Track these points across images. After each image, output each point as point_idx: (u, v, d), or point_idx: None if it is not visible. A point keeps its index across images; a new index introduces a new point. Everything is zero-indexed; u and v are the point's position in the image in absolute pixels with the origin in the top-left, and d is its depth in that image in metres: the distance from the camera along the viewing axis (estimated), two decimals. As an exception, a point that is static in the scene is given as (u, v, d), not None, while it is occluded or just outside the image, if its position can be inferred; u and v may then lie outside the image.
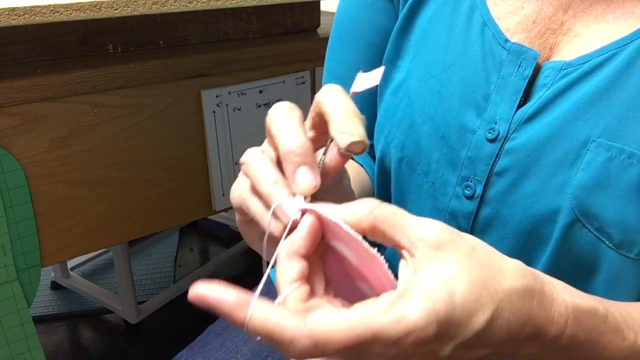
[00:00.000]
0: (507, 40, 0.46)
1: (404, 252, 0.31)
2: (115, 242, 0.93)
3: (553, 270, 0.44)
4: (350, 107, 0.34)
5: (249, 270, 1.82)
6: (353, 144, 0.32)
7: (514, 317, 0.30)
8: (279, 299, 0.30)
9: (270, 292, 0.71)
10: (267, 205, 0.34)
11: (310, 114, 0.36)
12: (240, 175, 0.37)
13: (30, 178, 0.79)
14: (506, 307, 0.30)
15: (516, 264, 0.32)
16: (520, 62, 0.45)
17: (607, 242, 0.41)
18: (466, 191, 0.47)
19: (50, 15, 0.73)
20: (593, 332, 0.33)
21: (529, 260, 0.46)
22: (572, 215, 0.42)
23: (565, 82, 0.43)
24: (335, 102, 0.34)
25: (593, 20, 0.45)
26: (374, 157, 0.58)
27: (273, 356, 0.57)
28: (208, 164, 0.97)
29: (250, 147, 0.37)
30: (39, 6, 0.72)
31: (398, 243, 0.31)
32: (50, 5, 0.72)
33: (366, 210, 0.31)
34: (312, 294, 0.31)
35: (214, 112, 0.94)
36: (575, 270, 0.44)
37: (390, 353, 0.28)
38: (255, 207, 0.35)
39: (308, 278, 0.32)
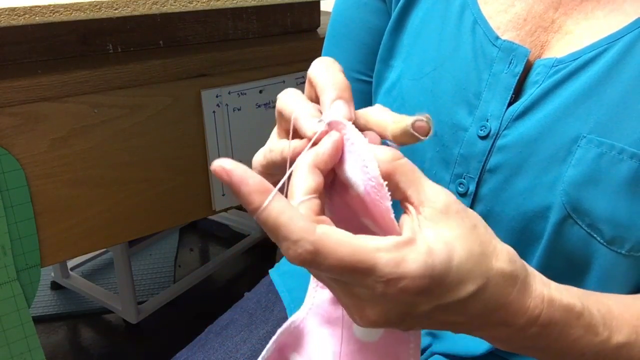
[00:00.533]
0: (497, 38, 0.47)
1: (410, 208, 0.31)
2: (115, 242, 0.93)
3: (546, 267, 0.44)
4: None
5: (249, 270, 1.82)
6: (419, 122, 0.31)
7: (493, 297, 0.31)
8: (293, 204, 0.30)
9: (270, 292, 0.71)
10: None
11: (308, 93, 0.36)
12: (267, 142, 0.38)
13: (30, 178, 0.79)
14: (491, 285, 0.31)
15: (508, 249, 0.33)
16: (511, 59, 0.46)
17: (598, 238, 0.42)
18: (459, 188, 0.48)
19: (50, 15, 0.73)
20: (565, 326, 0.34)
21: (522, 257, 0.46)
22: (564, 211, 0.42)
23: (556, 78, 0.44)
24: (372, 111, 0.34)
25: (583, 17, 0.45)
26: None
27: (273, 356, 0.57)
28: (208, 164, 0.97)
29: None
30: (39, 6, 0.72)
31: (408, 198, 0.31)
32: (50, 5, 0.72)
33: (390, 156, 0.31)
34: (321, 210, 0.31)
35: (214, 112, 0.94)
36: (568, 267, 0.44)
37: (377, 290, 0.29)
38: (278, 142, 0.35)
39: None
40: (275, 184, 0.37)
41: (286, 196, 0.31)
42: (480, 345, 0.50)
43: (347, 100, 0.33)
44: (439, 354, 0.54)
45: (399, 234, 0.31)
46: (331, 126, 0.32)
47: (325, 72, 0.34)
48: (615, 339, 0.36)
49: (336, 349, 0.37)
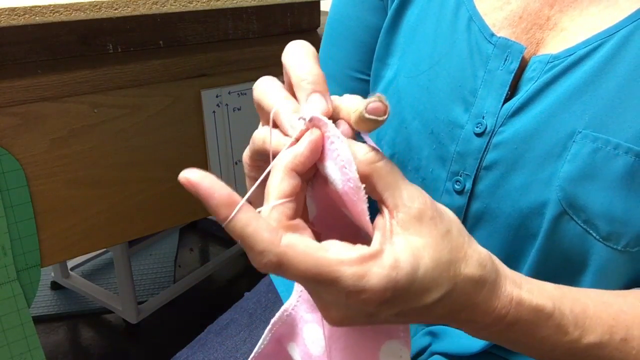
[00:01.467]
0: (493, 35, 0.47)
1: (385, 211, 0.32)
2: (115, 242, 0.93)
3: (542, 263, 0.45)
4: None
5: (248, 270, 1.82)
6: (372, 104, 0.31)
7: (458, 299, 0.32)
8: (266, 208, 0.31)
9: (270, 292, 0.71)
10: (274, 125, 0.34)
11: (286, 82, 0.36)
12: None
13: (30, 178, 0.79)
14: (458, 290, 0.32)
15: (480, 254, 0.33)
16: (507, 56, 0.46)
17: (594, 234, 0.42)
18: (456, 186, 0.48)
19: (50, 15, 0.73)
20: (532, 325, 0.35)
21: (519, 254, 0.46)
22: (560, 207, 0.42)
23: (551, 74, 0.44)
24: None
25: (578, 14, 0.45)
26: None
27: (273, 356, 0.57)
28: (208, 164, 0.97)
29: None
30: (39, 6, 0.72)
31: (384, 201, 0.32)
32: (50, 5, 0.72)
33: (368, 159, 0.31)
34: (296, 213, 0.32)
35: (214, 112, 0.94)
36: (564, 263, 0.44)
37: (339, 300, 0.30)
38: (260, 131, 0.35)
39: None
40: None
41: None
42: (477, 342, 0.50)
43: (323, 93, 0.32)
44: (438, 353, 0.54)
45: (372, 234, 0.31)
46: (312, 123, 0.32)
47: (299, 61, 0.33)
48: (587, 339, 0.37)
49: (325, 332, 0.38)
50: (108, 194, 0.87)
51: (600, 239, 0.42)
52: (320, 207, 0.35)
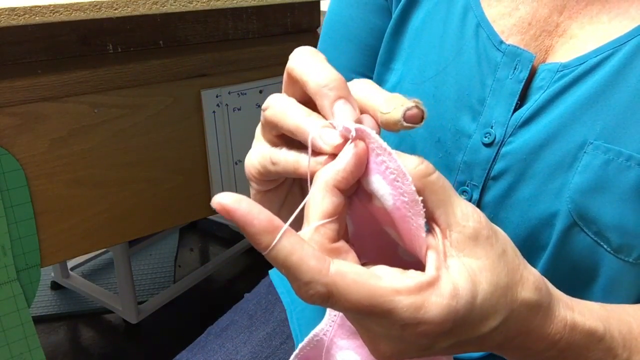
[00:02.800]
0: (502, 42, 0.46)
1: (437, 230, 0.29)
2: (115, 242, 0.93)
3: (551, 274, 0.44)
4: (372, 91, 0.31)
5: (249, 270, 1.82)
6: (410, 111, 0.28)
7: (514, 326, 0.30)
8: (307, 230, 0.28)
9: (270, 293, 0.71)
10: (301, 146, 0.31)
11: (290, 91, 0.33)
12: (255, 143, 0.35)
13: (30, 178, 0.79)
14: (514, 316, 0.30)
15: (534, 277, 0.31)
16: (516, 65, 0.45)
17: (605, 246, 0.41)
18: (463, 196, 0.47)
19: (50, 15, 0.73)
20: (583, 349, 0.34)
21: None
22: (570, 218, 0.41)
23: (562, 84, 0.43)
24: (363, 90, 0.31)
25: (588, 22, 0.44)
26: None
27: (273, 357, 0.57)
28: (208, 164, 0.97)
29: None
30: (39, 6, 0.72)
31: (435, 219, 0.29)
32: (50, 5, 0.72)
33: (421, 172, 0.29)
34: (339, 234, 0.29)
35: (214, 112, 0.94)
36: (574, 274, 0.43)
37: (392, 332, 0.28)
38: (285, 157, 0.32)
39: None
40: (274, 189, 0.36)
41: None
42: None
43: (348, 98, 0.30)
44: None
45: (424, 255, 0.29)
46: (356, 135, 0.29)
47: (314, 67, 0.30)
48: None
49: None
50: (108, 194, 0.87)
51: (612, 251, 0.41)
52: (357, 224, 0.32)
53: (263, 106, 0.33)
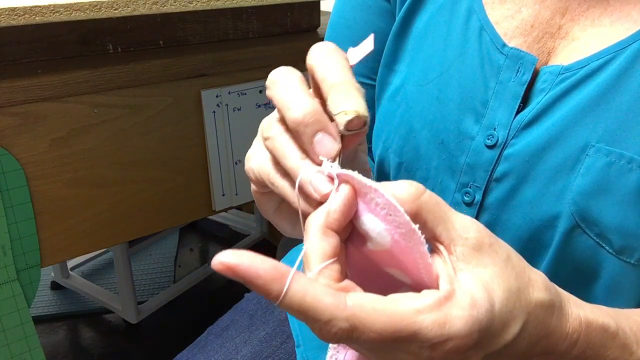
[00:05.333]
0: (504, 45, 0.46)
1: (441, 248, 0.29)
2: (115, 242, 0.93)
3: (553, 276, 0.44)
4: (343, 78, 0.31)
5: (249, 270, 1.82)
6: (350, 122, 0.30)
7: (535, 330, 0.30)
8: (311, 274, 0.27)
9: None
10: (294, 182, 0.32)
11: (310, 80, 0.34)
12: (257, 143, 0.35)
13: (30, 178, 0.79)
14: (532, 319, 0.30)
15: (542, 277, 0.32)
16: (519, 68, 0.45)
17: (607, 247, 0.41)
18: (465, 198, 0.47)
19: (50, 15, 0.73)
20: (601, 347, 0.33)
21: None
22: (572, 220, 0.41)
23: (564, 86, 0.43)
24: (327, 71, 0.32)
25: (590, 24, 0.44)
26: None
27: (273, 357, 0.57)
28: (208, 164, 0.97)
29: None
30: (39, 6, 0.72)
31: (437, 237, 0.29)
32: (50, 5, 0.72)
33: (413, 195, 0.29)
34: (342, 274, 0.29)
35: (214, 112, 0.94)
36: (576, 276, 0.44)
37: (423, 354, 0.27)
38: (283, 185, 0.33)
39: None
40: (271, 194, 0.35)
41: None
42: None
43: (327, 130, 0.30)
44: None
45: (437, 278, 0.29)
46: (340, 180, 0.29)
47: (291, 97, 0.31)
48: None
49: None
50: (108, 194, 0.87)
51: (613, 253, 0.41)
52: (354, 272, 0.32)
53: (264, 134, 0.33)
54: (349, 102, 0.30)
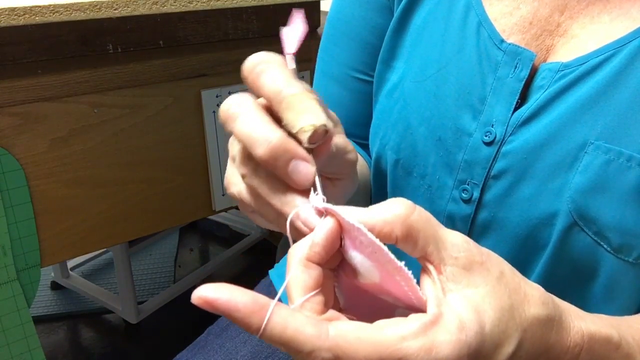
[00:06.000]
0: (502, 41, 0.46)
1: (430, 267, 0.29)
2: (115, 242, 0.93)
3: (551, 274, 0.44)
4: (290, 90, 0.31)
5: (249, 270, 1.82)
6: (311, 137, 0.30)
7: (533, 347, 0.30)
8: (292, 307, 0.27)
9: (270, 293, 0.71)
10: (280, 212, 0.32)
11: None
12: (232, 169, 0.35)
13: (30, 178, 0.79)
14: (528, 337, 0.29)
15: (539, 291, 0.31)
16: (517, 64, 0.45)
17: (605, 246, 0.41)
18: (463, 194, 0.47)
19: (50, 15, 0.73)
20: (605, 358, 0.33)
21: (527, 264, 0.45)
22: (570, 218, 0.41)
23: (563, 83, 0.43)
24: (270, 89, 0.32)
25: (589, 22, 0.44)
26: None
27: (273, 357, 0.57)
28: (208, 164, 0.97)
29: None
30: (39, 6, 0.72)
31: (428, 256, 0.29)
32: (50, 5, 0.72)
33: (402, 216, 0.28)
34: (326, 305, 0.28)
35: (214, 112, 0.94)
36: (574, 274, 0.43)
37: None
38: (269, 212, 0.33)
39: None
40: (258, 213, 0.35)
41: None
42: None
43: (301, 157, 0.30)
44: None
45: (424, 303, 0.28)
46: (326, 214, 0.29)
47: (255, 134, 0.31)
48: None
49: None
50: (108, 194, 0.87)
51: (612, 251, 0.41)
52: (348, 296, 0.32)
53: (239, 170, 0.33)
54: (303, 118, 0.30)
